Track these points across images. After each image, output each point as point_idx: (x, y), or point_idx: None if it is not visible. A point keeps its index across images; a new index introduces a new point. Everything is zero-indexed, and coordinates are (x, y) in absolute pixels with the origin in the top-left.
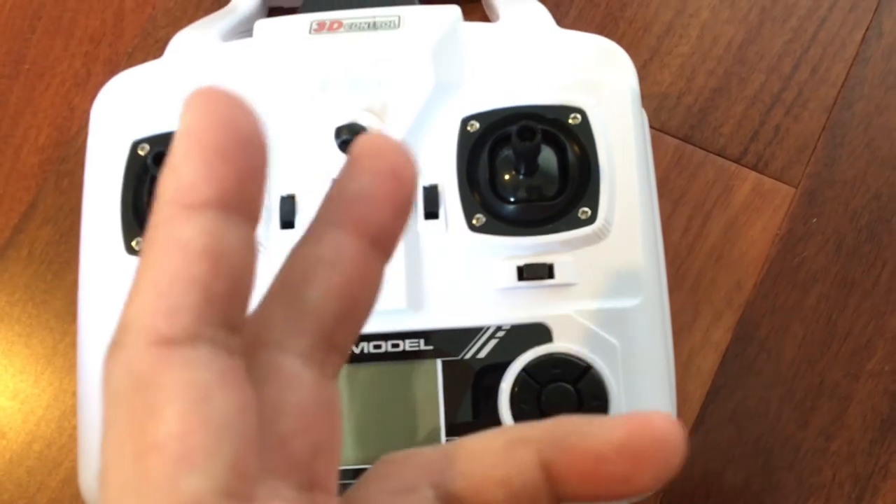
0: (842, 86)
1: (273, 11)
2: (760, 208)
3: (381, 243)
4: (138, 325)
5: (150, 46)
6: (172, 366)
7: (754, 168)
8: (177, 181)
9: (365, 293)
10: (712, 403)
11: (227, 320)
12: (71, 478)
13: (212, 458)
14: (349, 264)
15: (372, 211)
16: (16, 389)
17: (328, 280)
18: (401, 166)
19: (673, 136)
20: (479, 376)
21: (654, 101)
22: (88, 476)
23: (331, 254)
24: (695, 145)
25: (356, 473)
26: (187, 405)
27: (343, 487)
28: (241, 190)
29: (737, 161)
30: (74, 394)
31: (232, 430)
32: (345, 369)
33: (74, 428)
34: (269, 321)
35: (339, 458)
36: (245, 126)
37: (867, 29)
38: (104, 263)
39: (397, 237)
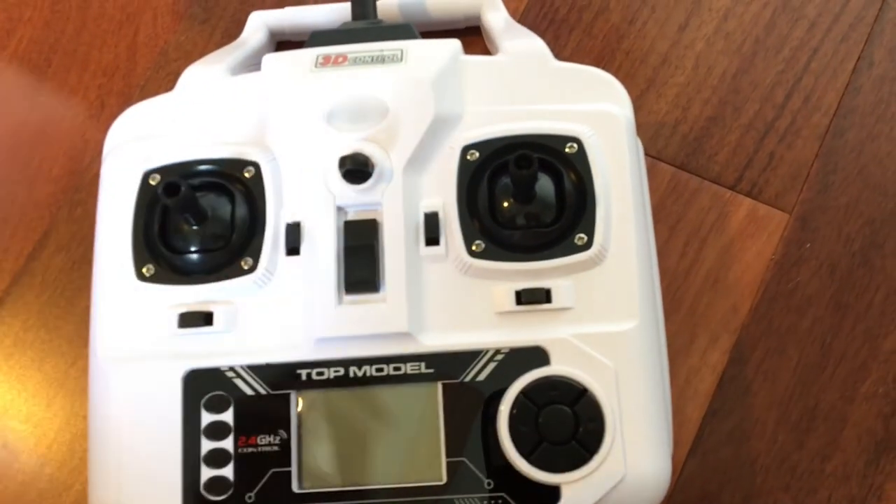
0: (834, 114)
1: (280, 46)
2: (755, 234)
3: None
4: None
5: (162, 79)
6: None
7: (749, 195)
8: None
9: None
10: (710, 425)
11: None
12: (81, 500)
13: None
14: None
15: None
16: (28, 413)
17: None
18: None
19: (669, 164)
20: (478, 398)
21: (651, 130)
22: (97, 498)
23: None
24: (690, 172)
25: (361, 494)
26: None
27: None
28: None
29: (731, 188)
30: (85, 417)
31: None
32: (348, 392)
33: (85, 451)
34: None
35: None
36: None
37: (858, 59)
38: (116, 289)
39: None
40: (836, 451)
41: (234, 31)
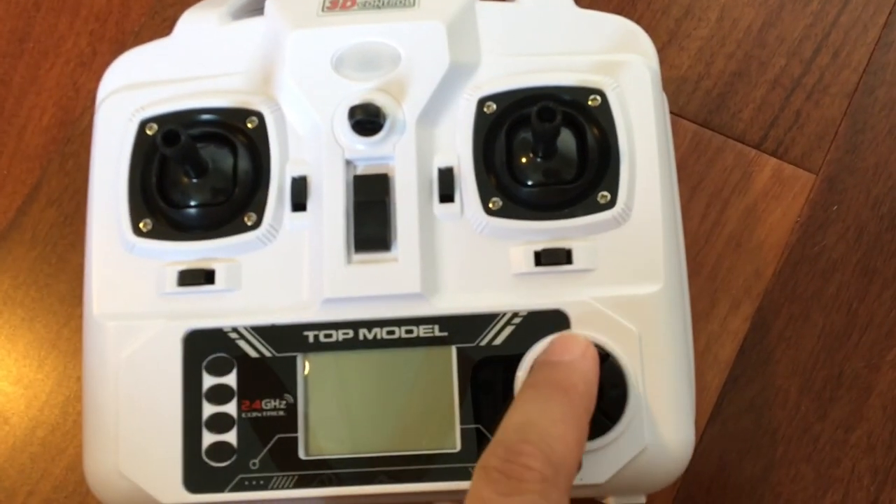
0: (864, 71)
1: None
2: (780, 195)
3: None
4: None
5: (158, 25)
6: None
7: (774, 154)
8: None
9: None
10: (730, 393)
11: None
12: (75, 464)
13: None
14: None
15: None
16: (19, 374)
17: None
18: None
19: (691, 121)
20: (494, 363)
21: (673, 86)
22: (93, 463)
23: None
24: (713, 130)
25: (371, 461)
26: None
27: (356, 475)
28: None
29: (756, 147)
30: (79, 379)
31: None
32: (358, 355)
33: (79, 413)
34: None
35: None
36: None
37: (890, 13)
38: (111, 245)
39: None
40: (860, 421)
41: None
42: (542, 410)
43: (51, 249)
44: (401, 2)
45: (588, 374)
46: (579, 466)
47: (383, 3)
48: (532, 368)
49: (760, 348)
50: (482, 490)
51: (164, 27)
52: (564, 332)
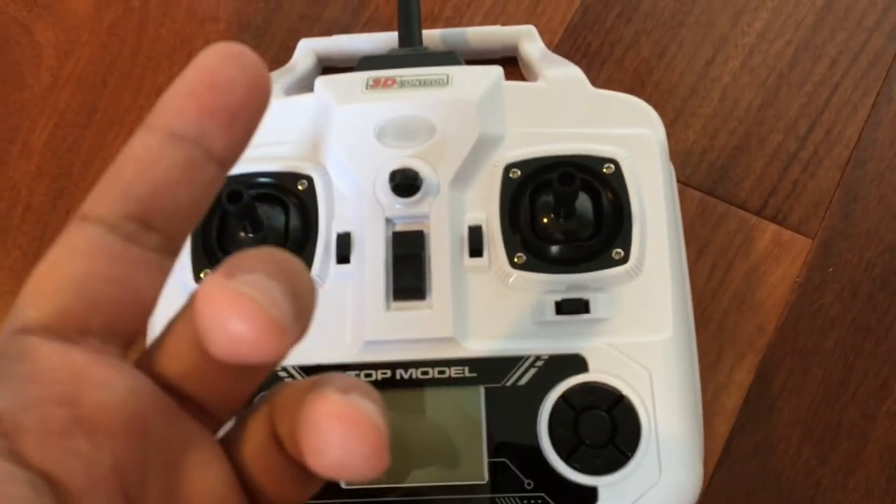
0: (854, 146)
1: (326, 71)
2: (780, 258)
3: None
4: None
5: None
6: (72, 230)
7: (773, 220)
8: (161, 106)
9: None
10: (736, 439)
11: (138, 216)
12: None
13: (49, 298)
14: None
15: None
16: None
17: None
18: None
19: (697, 190)
20: (519, 402)
21: (680, 158)
22: None
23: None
24: (717, 198)
25: (406, 491)
26: (57, 256)
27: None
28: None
29: (757, 213)
30: None
31: (76, 287)
32: (394, 393)
33: None
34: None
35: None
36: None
37: (878, 94)
38: (174, 291)
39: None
40: (858, 467)
41: (282, 56)
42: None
43: None
44: (436, 81)
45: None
46: (597, 498)
47: (420, 82)
48: None
49: (764, 398)
50: None
51: None
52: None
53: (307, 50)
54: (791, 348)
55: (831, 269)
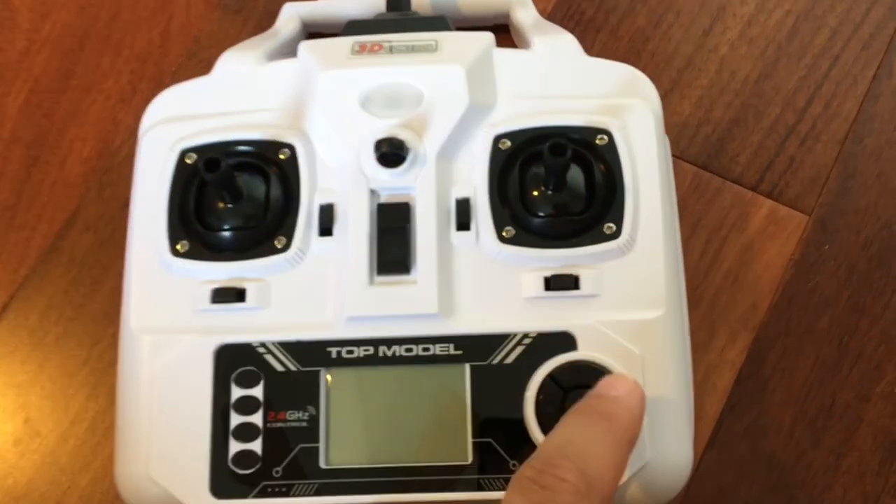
0: (853, 120)
1: (312, 36)
2: (775, 234)
3: None
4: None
5: (195, 66)
6: None
7: (769, 196)
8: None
9: None
10: (727, 420)
11: None
12: (100, 476)
13: None
14: None
15: None
16: (52, 389)
17: None
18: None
19: (691, 164)
20: (505, 381)
21: (674, 130)
22: (124, 467)
23: None
24: (712, 173)
25: (387, 472)
26: None
27: (373, 484)
28: None
29: (753, 189)
30: (108, 394)
31: None
32: (377, 371)
33: (107, 428)
34: None
35: None
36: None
37: (878, 67)
38: (150, 264)
39: None
40: (851, 450)
41: (265, 22)
42: (583, 432)
43: (86, 272)
44: (424, 47)
45: (633, 409)
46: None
47: (408, 48)
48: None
49: (756, 378)
50: (515, 498)
51: (200, 68)
52: (615, 373)
53: (292, 14)
54: (785, 327)
55: (827, 247)
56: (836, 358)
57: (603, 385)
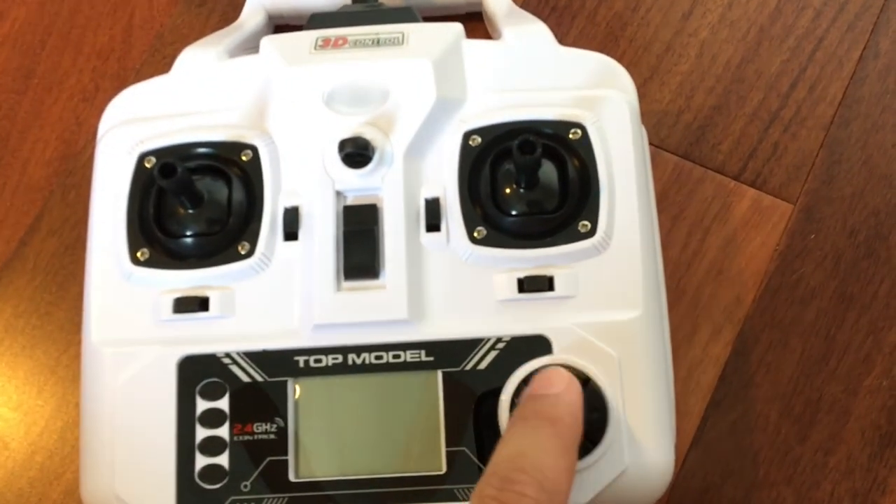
0: (839, 104)
1: (279, 29)
2: (759, 224)
3: None
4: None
5: (158, 62)
6: None
7: (753, 185)
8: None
9: None
10: (712, 417)
11: None
12: (72, 489)
13: None
14: None
15: None
16: (19, 400)
17: None
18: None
19: (672, 153)
20: (479, 387)
21: (654, 119)
22: (90, 485)
23: None
24: (694, 162)
25: (359, 483)
26: None
27: (345, 497)
28: None
29: (735, 178)
30: (77, 405)
31: None
32: (346, 379)
33: (77, 439)
34: None
35: None
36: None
37: (864, 48)
38: (110, 273)
39: None
40: (839, 445)
41: (231, 14)
42: (532, 441)
43: (51, 279)
44: (390, 40)
45: (573, 405)
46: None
47: (373, 42)
48: (519, 402)
49: (741, 373)
50: None
51: (164, 64)
52: (549, 367)
53: (257, 6)
54: (770, 320)
55: (813, 236)
56: (823, 351)
57: (540, 383)
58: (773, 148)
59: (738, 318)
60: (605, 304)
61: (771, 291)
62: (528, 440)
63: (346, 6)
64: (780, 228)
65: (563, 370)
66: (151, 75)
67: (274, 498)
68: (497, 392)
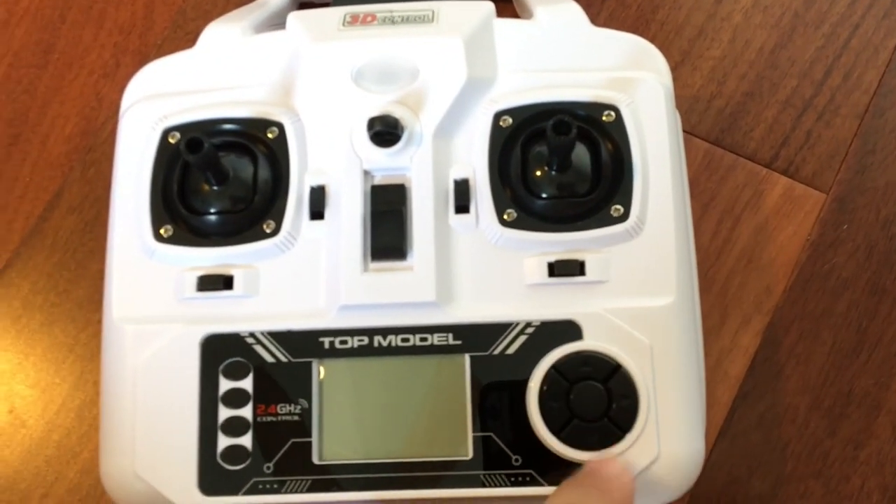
0: (874, 93)
1: (302, 7)
2: (791, 213)
3: None
4: None
5: (180, 38)
6: None
7: (785, 173)
8: None
9: None
10: (740, 408)
11: None
12: (89, 468)
13: None
14: None
15: None
16: (37, 378)
17: None
18: None
19: (703, 140)
20: (507, 372)
21: (685, 104)
22: (109, 464)
23: None
24: (725, 149)
25: (384, 467)
26: None
27: (369, 480)
28: None
29: (767, 166)
30: (95, 383)
31: None
32: (371, 362)
33: (94, 418)
34: None
35: None
36: None
37: None
38: (132, 250)
39: None
40: (869, 439)
41: None
42: (580, 499)
43: (70, 256)
44: (420, 17)
45: (625, 487)
46: None
47: (403, 19)
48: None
49: (770, 364)
50: None
51: (186, 40)
52: (603, 458)
53: None
54: (801, 311)
55: (846, 227)
56: (854, 343)
57: (592, 466)
58: (805, 136)
59: (768, 308)
60: (637, 290)
61: (802, 282)
62: (575, 496)
63: None
64: (812, 218)
65: (617, 461)
66: (173, 51)
67: (297, 480)
68: (526, 377)
